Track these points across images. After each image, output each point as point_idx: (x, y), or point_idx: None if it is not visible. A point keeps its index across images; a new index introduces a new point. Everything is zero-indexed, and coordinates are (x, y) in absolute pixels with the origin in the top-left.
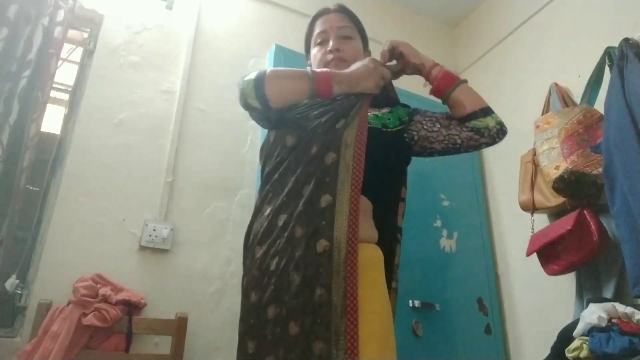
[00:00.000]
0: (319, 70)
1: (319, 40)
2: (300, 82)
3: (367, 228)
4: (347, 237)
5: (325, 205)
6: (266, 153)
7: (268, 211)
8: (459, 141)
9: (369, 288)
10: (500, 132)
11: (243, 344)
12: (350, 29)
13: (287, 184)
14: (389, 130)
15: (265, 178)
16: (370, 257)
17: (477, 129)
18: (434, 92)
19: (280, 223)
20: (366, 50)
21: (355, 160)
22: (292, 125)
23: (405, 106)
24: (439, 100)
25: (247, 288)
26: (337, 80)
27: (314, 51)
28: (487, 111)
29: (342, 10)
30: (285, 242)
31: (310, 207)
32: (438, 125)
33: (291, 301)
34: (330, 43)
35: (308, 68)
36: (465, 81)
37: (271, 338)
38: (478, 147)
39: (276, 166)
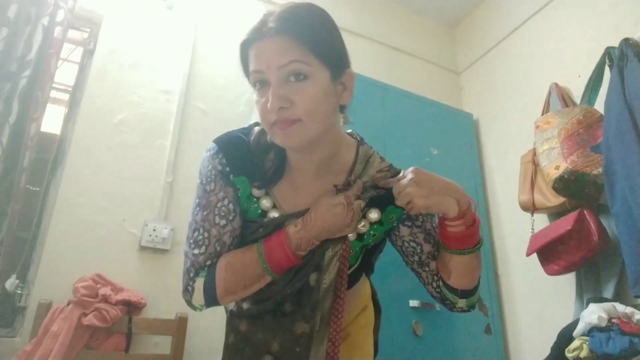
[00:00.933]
0: (269, 250)
1: (256, 85)
2: (258, 278)
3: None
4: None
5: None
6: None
7: (254, 310)
8: (422, 282)
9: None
10: (463, 311)
11: None
12: (299, 64)
13: (260, 338)
14: (369, 246)
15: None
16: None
17: (445, 297)
18: (439, 234)
19: (261, 337)
20: (340, 79)
21: (333, 328)
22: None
23: (397, 208)
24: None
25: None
26: (303, 246)
27: (254, 96)
28: (467, 294)
29: (286, 31)
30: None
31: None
32: (416, 258)
33: None
34: (270, 97)
35: (257, 249)
36: (477, 249)
37: None
38: (440, 304)
39: (251, 304)
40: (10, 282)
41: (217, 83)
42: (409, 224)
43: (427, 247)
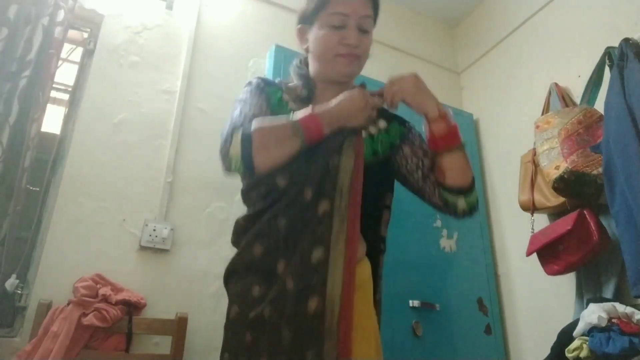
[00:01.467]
0: (303, 118)
1: (335, 23)
2: (290, 143)
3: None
4: (341, 297)
5: (316, 261)
6: (256, 191)
7: (260, 252)
8: (426, 197)
9: (357, 315)
10: (467, 214)
11: None
12: (370, 20)
13: (281, 230)
14: (379, 156)
15: (256, 214)
16: (361, 275)
17: (446, 202)
18: (428, 142)
19: (277, 270)
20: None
21: (351, 211)
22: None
23: (402, 122)
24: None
25: (241, 327)
26: (326, 122)
27: (322, 32)
28: (463, 190)
29: None
30: (278, 294)
31: (302, 261)
32: (419, 173)
33: (281, 357)
34: (351, 35)
35: (291, 120)
36: (461, 147)
37: None
38: (442, 211)
39: (267, 206)
40: (10, 282)
41: (217, 83)
42: (410, 143)
43: (426, 161)
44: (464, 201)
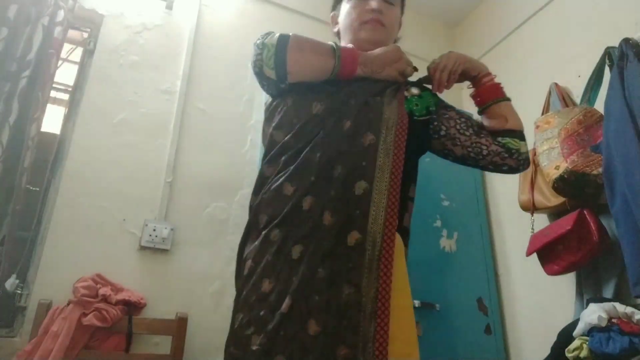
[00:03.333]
0: (344, 47)
1: None
2: (325, 58)
3: None
4: (383, 230)
5: (360, 192)
6: (281, 116)
7: (289, 190)
8: (484, 152)
9: (396, 279)
10: (526, 161)
11: (244, 338)
12: None
13: (313, 161)
14: (415, 117)
15: (281, 146)
16: (398, 245)
17: (509, 148)
18: (477, 96)
19: (306, 206)
20: (400, 17)
21: (397, 145)
22: (316, 89)
23: (434, 95)
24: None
25: (259, 274)
26: (361, 61)
27: (348, 6)
28: (523, 136)
29: None
30: (312, 229)
31: (342, 193)
32: (471, 130)
33: (313, 297)
34: (374, 4)
35: (331, 43)
36: (508, 99)
37: (283, 334)
38: (500, 166)
39: (298, 136)
40: (10, 282)
41: (217, 83)
42: (451, 111)
43: (473, 121)
44: (525, 146)
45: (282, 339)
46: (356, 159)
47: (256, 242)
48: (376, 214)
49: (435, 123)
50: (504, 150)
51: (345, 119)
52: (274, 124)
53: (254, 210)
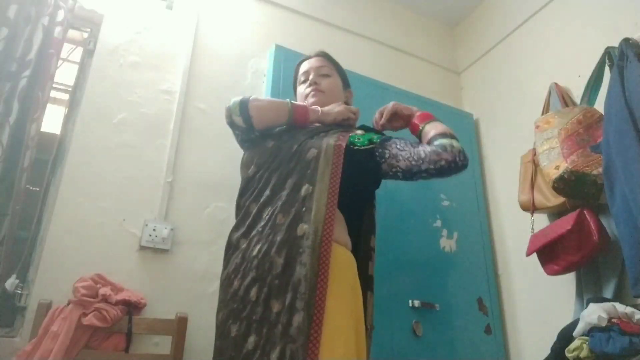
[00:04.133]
0: (296, 103)
1: (302, 79)
2: (280, 112)
3: (342, 233)
4: (324, 221)
5: (305, 193)
6: (247, 161)
7: (255, 208)
8: (422, 155)
9: (342, 286)
10: (461, 154)
11: (225, 329)
12: (328, 69)
13: (270, 182)
14: (357, 147)
15: (249, 181)
16: (347, 258)
17: (442, 145)
18: (411, 127)
19: (266, 215)
20: (347, 90)
21: (336, 154)
22: (273, 134)
23: (378, 133)
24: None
25: (229, 277)
26: (311, 113)
27: (299, 89)
28: (454, 136)
29: (322, 54)
30: (269, 229)
31: (291, 196)
32: (409, 147)
33: (274, 282)
34: (310, 78)
35: (288, 100)
36: (437, 120)
37: (255, 318)
38: (439, 162)
39: (257, 169)
40: (10, 282)
41: (217, 83)
42: (394, 139)
43: (412, 141)
44: (457, 142)
45: (254, 322)
46: (302, 169)
47: (232, 257)
48: (318, 208)
49: (380, 150)
50: (439, 148)
51: (293, 144)
52: (241, 166)
53: (232, 238)
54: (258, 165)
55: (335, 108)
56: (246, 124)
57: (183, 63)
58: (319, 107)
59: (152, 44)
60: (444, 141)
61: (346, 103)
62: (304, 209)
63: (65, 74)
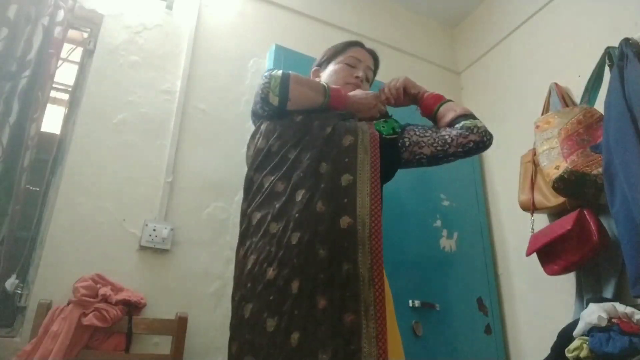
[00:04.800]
0: (334, 88)
1: (350, 63)
2: (317, 95)
3: None
4: (370, 213)
5: (346, 184)
6: (267, 131)
7: (283, 187)
8: (448, 139)
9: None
10: (487, 133)
11: (258, 323)
12: (371, 73)
13: (301, 161)
14: (383, 135)
15: (269, 154)
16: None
17: (467, 127)
18: (423, 108)
19: (299, 198)
20: None
21: (372, 143)
22: (297, 110)
23: (397, 121)
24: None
25: (262, 263)
26: (347, 100)
27: (337, 67)
28: (475, 116)
29: (377, 59)
30: (308, 217)
31: (331, 185)
32: (430, 132)
33: (318, 275)
34: (360, 73)
35: (322, 82)
36: (451, 100)
37: (297, 313)
38: (466, 144)
39: (283, 143)
40: (10, 282)
41: (217, 83)
42: (411, 126)
43: (430, 127)
44: (480, 121)
45: (297, 317)
46: (339, 156)
47: (254, 238)
48: (362, 201)
49: (401, 140)
50: (464, 130)
51: (326, 125)
52: (257, 135)
53: (248, 214)
54: (283, 139)
55: (367, 107)
56: (281, 104)
57: (183, 63)
58: (353, 100)
59: (152, 44)
60: (468, 123)
61: None
62: (345, 200)
63: (65, 74)
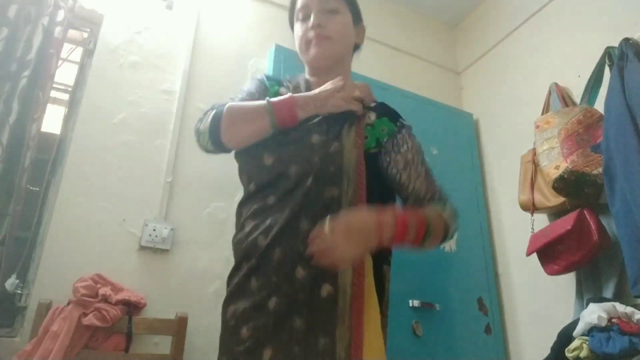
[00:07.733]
0: (276, 100)
1: (300, 16)
2: (257, 121)
3: None
4: (352, 282)
5: (328, 195)
6: (239, 170)
7: (262, 242)
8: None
9: (369, 325)
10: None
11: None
12: (335, 1)
13: (281, 216)
14: (365, 150)
15: (249, 194)
16: (369, 291)
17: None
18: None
19: (276, 257)
20: (358, 25)
21: (358, 195)
22: (267, 142)
23: (394, 118)
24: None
25: (238, 322)
26: (300, 105)
27: (296, 27)
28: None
29: None
30: (287, 284)
31: (313, 198)
32: (414, 171)
33: (293, 347)
34: (312, 18)
35: (263, 102)
36: (428, 237)
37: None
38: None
39: (259, 188)
40: (10, 282)
41: (217, 83)
42: (396, 145)
43: (404, 175)
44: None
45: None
46: (321, 213)
47: (234, 290)
48: (344, 268)
49: (383, 155)
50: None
51: (309, 175)
52: (238, 170)
53: (234, 248)
54: (258, 184)
55: (330, 93)
56: (222, 150)
57: (183, 63)
58: (309, 97)
59: (152, 44)
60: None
61: (357, 44)
62: (328, 215)
63: (65, 74)
